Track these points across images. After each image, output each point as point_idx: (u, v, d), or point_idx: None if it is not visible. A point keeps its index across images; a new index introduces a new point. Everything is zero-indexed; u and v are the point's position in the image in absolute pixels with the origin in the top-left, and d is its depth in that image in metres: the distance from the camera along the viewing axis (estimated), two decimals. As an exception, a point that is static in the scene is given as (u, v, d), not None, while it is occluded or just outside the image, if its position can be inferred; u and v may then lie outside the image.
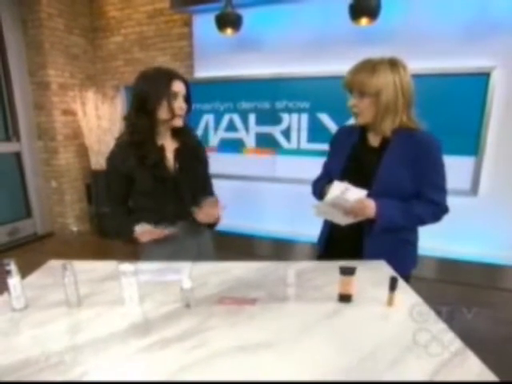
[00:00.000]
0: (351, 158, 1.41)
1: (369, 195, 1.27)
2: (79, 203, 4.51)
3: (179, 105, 1.35)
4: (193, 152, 1.48)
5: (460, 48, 2.76)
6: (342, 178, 1.33)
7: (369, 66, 1.27)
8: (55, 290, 1.18)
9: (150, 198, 1.41)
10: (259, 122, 3.57)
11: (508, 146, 2.81)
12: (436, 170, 1.32)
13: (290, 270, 1.10)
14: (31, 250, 3.85)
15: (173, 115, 1.34)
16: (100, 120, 4.10)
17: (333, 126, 3.24)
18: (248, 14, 3.20)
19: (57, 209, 4.40)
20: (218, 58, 3.58)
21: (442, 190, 1.34)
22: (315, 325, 1.00)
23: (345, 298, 1.10)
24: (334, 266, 1.31)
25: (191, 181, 1.45)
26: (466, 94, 2.78)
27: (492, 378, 0.78)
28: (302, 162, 3.42)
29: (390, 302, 1.07)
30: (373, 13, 2.74)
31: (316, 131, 3.35)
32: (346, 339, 0.93)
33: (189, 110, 1.43)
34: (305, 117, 3.36)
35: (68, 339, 0.94)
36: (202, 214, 1.40)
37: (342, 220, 1.33)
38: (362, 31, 2.91)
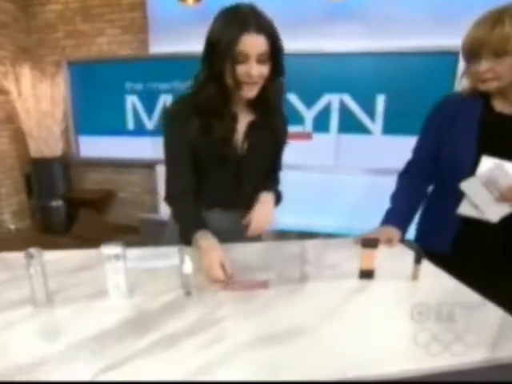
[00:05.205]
0: (486, 132, 1.13)
1: None
2: (17, 197, 3.96)
3: (246, 69, 0.99)
4: (271, 128, 1.17)
5: (430, 27, 2.77)
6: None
7: (507, 17, 1.01)
8: (12, 286, 0.95)
9: (203, 176, 1.15)
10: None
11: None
12: None
13: (308, 245, 0.96)
14: (-41, 250, 3.31)
15: (236, 84, 1.01)
16: (39, 101, 3.59)
17: (301, 107, 3.14)
18: (210, -16, 2.97)
19: (-11, 203, 3.83)
20: (177, 32, 3.26)
21: None
22: (340, 306, 0.87)
23: (367, 274, 0.99)
24: (344, 243, 1.22)
25: (258, 165, 1.19)
26: (436, 73, 2.79)
27: None
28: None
29: (415, 276, 0.98)
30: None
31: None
32: (376, 319, 0.82)
33: (276, 73, 1.08)
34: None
35: (44, 345, 0.72)
36: (255, 223, 1.14)
37: (495, 213, 1.05)
38: (333, 7, 2.84)
